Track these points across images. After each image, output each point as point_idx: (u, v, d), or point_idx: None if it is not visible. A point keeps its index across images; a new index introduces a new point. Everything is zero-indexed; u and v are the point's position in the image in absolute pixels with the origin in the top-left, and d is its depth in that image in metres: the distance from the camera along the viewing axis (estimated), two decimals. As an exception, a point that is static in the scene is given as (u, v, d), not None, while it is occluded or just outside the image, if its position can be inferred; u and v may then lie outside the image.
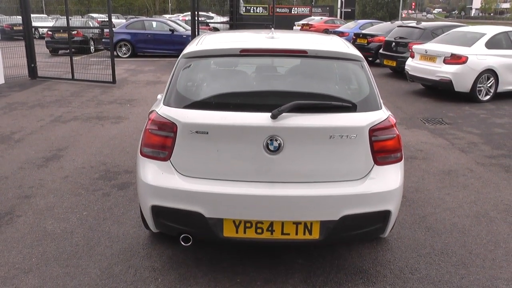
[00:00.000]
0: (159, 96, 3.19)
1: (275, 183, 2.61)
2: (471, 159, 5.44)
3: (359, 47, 16.35)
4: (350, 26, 20.62)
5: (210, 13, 26.01)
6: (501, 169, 5.10)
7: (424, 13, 75.66)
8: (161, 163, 2.68)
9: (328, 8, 42.82)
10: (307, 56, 2.86)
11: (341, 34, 20.09)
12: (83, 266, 3.01)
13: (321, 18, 30.66)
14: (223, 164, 2.62)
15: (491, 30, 8.89)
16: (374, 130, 2.65)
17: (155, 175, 2.67)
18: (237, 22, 13.89)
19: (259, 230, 2.63)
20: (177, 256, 3.15)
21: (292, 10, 35.31)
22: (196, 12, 13.12)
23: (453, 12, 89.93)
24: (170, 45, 14.62)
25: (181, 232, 2.71)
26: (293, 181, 2.63)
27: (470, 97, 8.52)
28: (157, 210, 2.68)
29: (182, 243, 2.74)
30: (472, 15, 77.10)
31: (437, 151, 5.70)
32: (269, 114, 2.55)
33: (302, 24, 27.87)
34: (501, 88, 8.62)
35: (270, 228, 2.63)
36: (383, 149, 2.70)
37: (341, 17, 39.63)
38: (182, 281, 2.87)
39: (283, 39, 3.10)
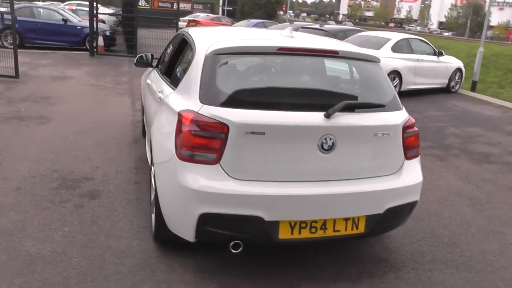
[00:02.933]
0: (165, 94, 2.93)
1: (328, 182, 2.62)
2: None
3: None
4: (244, 25, 21.05)
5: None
6: (436, 159, 5.75)
7: (292, 14, 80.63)
8: (209, 166, 2.47)
9: (209, 5, 43.02)
10: (338, 56, 2.91)
11: (235, 31, 20.46)
12: (104, 289, 2.64)
13: (207, 15, 30.68)
14: (279, 165, 2.53)
15: (394, 36, 9.92)
16: (405, 128, 2.83)
17: (205, 180, 2.45)
18: (140, 16, 13.24)
19: (313, 230, 2.60)
20: (202, 265, 2.94)
21: (174, 6, 34.65)
22: (95, 3, 12.18)
23: (323, 17, 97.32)
24: (63, 37, 13.15)
25: (232, 238, 2.53)
26: (343, 179, 2.66)
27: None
28: (206, 218, 2.47)
29: (232, 250, 2.56)
30: (340, 20, 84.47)
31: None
32: (322, 113, 2.54)
33: (189, 20, 27.46)
34: (404, 87, 9.68)
35: (323, 227, 2.62)
36: (410, 144, 2.90)
37: (223, 14, 40.15)
38: (224, 291, 2.70)
39: (304, 38, 3.10)
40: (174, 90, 3.06)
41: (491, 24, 68.98)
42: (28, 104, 6.89)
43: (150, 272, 2.84)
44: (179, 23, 27.28)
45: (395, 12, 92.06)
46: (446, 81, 10.76)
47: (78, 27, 13.33)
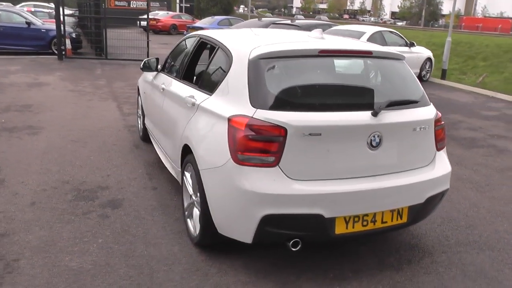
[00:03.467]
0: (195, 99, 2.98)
1: (376, 177, 2.73)
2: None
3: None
4: (208, 22, 20.89)
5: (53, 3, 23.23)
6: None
7: (245, 9, 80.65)
8: (268, 169, 2.52)
9: (165, 2, 42.31)
10: (372, 56, 3.02)
11: (200, 29, 20.27)
12: (162, 298, 2.64)
13: (167, 13, 30.21)
14: (333, 164, 2.61)
15: (369, 29, 10.21)
16: (436, 121, 2.99)
17: (266, 183, 2.50)
18: (107, 16, 12.90)
19: (364, 223, 2.71)
20: (252, 265, 2.98)
21: (131, 4, 33.83)
22: (61, 5, 11.75)
23: (277, 10, 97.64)
24: (28, 41, 12.54)
25: (292, 237, 2.59)
26: (388, 173, 2.78)
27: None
28: (268, 219, 2.52)
29: (292, 248, 2.63)
30: (294, 13, 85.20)
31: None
32: (369, 112, 2.65)
33: (146, 19, 26.78)
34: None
35: (373, 219, 2.73)
36: (440, 137, 3.07)
37: (180, 11, 39.66)
38: (282, 287, 2.76)
39: (335, 40, 3.19)
40: (210, 95, 3.06)
41: (443, 13, 71.98)
42: (11, 114, 6.60)
43: (203, 276, 2.85)
44: (139, 22, 26.87)
45: (349, 3, 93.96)
46: (418, 70, 11.22)
47: (42, 30, 12.80)
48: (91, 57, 13.30)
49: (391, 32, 11.12)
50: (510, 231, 3.71)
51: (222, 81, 2.97)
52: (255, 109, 2.58)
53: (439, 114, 3.12)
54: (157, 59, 4.64)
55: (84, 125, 6.25)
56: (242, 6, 66.16)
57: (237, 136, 2.55)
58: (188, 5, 42.14)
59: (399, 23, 64.57)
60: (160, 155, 4.44)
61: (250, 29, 4.29)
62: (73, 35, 13.15)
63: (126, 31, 13.48)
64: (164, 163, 4.23)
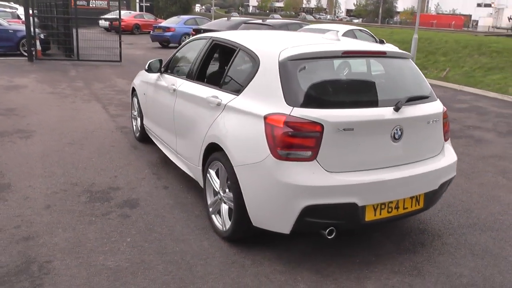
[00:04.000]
0: (216, 98, 3.16)
1: (399, 166, 2.97)
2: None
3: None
4: (175, 21, 20.72)
5: (12, 3, 22.30)
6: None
7: (203, 8, 80.00)
8: (307, 163, 2.70)
9: (125, 2, 41.45)
10: (385, 56, 3.25)
11: (167, 29, 20.10)
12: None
13: (130, 13, 29.67)
14: (363, 156, 2.83)
15: (341, 28, 10.55)
16: (444, 115, 3.27)
17: (306, 176, 2.68)
18: (79, 17, 12.61)
19: (389, 209, 2.94)
20: (284, 256, 3.13)
21: (91, 3, 32.97)
22: (31, 6, 11.40)
23: (233, 9, 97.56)
24: (-5, 42, 12.14)
25: (327, 226, 2.79)
26: (408, 163, 3.02)
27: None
28: (308, 210, 2.70)
29: (328, 236, 2.82)
30: (250, 11, 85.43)
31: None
32: (392, 107, 2.88)
33: (112, 19, 26.25)
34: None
35: (396, 206, 2.97)
36: (446, 129, 3.36)
37: (141, 10, 39.02)
38: (318, 274, 2.94)
39: (350, 41, 3.41)
40: (236, 95, 3.19)
41: (398, 10, 74.40)
42: (-4, 118, 6.44)
43: (240, 267, 2.99)
44: (101, 22, 26.26)
45: (305, 1, 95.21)
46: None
47: (10, 31, 12.35)
48: (62, 58, 12.97)
49: (361, 30, 11.53)
50: (503, 213, 4.06)
51: (250, 81, 3.11)
52: (291, 107, 2.75)
53: (445, 108, 3.40)
54: (160, 61, 4.69)
55: (75, 127, 6.19)
56: (198, 5, 65.52)
57: (276, 133, 2.71)
58: (148, 4, 41.48)
59: (355, 21, 66.20)
60: (169, 155, 4.50)
61: (263, 31, 4.43)
62: (42, 36, 12.77)
63: (89, 31, 13.21)
64: (176, 163, 4.30)
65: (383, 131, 2.88)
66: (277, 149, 2.71)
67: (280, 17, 57.42)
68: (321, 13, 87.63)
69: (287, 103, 2.78)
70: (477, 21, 63.40)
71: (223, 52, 4.16)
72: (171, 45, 19.70)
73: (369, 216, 2.86)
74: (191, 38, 4.58)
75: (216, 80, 3.60)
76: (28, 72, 10.47)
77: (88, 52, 12.89)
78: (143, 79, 5.29)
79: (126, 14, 28.27)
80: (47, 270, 2.91)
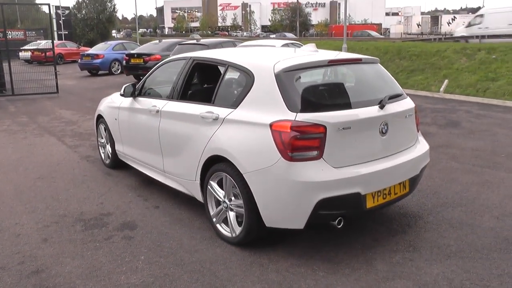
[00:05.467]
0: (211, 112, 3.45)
1: (388, 157, 3.37)
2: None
3: (136, 67, 16.35)
4: (103, 48, 20.27)
5: None
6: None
7: (123, 33, 78.74)
8: (315, 162, 3.00)
9: (42, 31, 39.72)
10: (361, 62, 3.68)
11: (96, 56, 19.64)
12: (235, 290, 2.94)
13: (48, 42, 28.45)
14: (360, 150, 3.19)
15: (277, 43, 11.11)
16: (415, 109, 3.76)
17: (317, 173, 2.98)
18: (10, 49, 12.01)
19: (384, 196, 3.32)
20: (295, 251, 3.38)
21: (7, 34, 31.20)
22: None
23: (148, 31, 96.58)
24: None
25: (336, 216, 3.09)
26: (394, 153, 3.44)
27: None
28: (321, 203, 2.99)
29: (337, 226, 3.12)
30: (166, 33, 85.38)
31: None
32: (377, 106, 3.29)
33: (32, 50, 24.97)
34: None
35: (389, 192, 3.35)
36: (418, 121, 3.85)
37: (60, 39, 37.57)
38: (331, 262, 3.23)
39: (327, 52, 3.81)
40: (234, 109, 3.42)
41: (312, 23, 78.16)
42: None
43: (260, 266, 3.19)
44: (21, 53, 24.96)
45: (221, 20, 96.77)
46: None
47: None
48: (-8, 94, 12.28)
49: (293, 44, 12.21)
50: (465, 191, 4.63)
51: (246, 95, 3.36)
52: (294, 113, 3.05)
53: (415, 104, 3.88)
54: (134, 85, 4.78)
55: (39, 162, 6.01)
56: (114, 30, 64.22)
57: (285, 137, 2.98)
58: (67, 32, 40.09)
59: (272, 36, 68.73)
60: (154, 176, 4.55)
61: (244, 48, 4.69)
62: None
63: (13, 64, 12.69)
64: (164, 182, 4.37)
65: (373, 127, 3.27)
66: (287, 152, 2.98)
67: (200, 37, 57.97)
68: (237, 31, 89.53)
69: (290, 110, 3.07)
70: (389, 29, 68.56)
71: (208, 70, 4.36)
72: (100, 72, 19.23)
73: (369, 204, 3.21)
74: (164, 60, 4.66)
75: (206, 97, 3.78)
76: (-40, 112, 9.84)
77: (20, 86, 12.34)
78: (111, 105, 5.31)
79: (48, 44, 27.13)
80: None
